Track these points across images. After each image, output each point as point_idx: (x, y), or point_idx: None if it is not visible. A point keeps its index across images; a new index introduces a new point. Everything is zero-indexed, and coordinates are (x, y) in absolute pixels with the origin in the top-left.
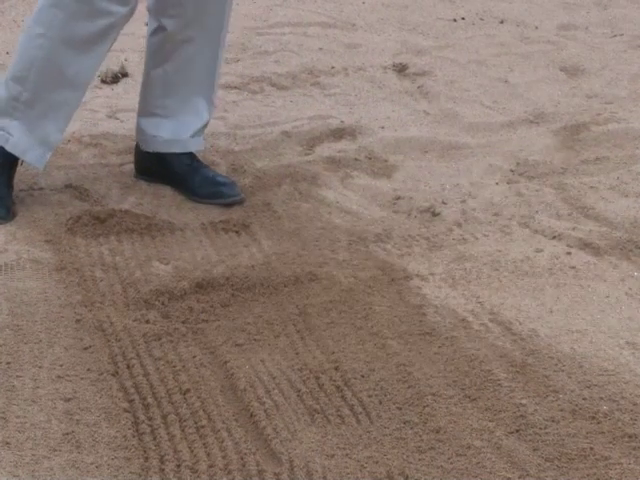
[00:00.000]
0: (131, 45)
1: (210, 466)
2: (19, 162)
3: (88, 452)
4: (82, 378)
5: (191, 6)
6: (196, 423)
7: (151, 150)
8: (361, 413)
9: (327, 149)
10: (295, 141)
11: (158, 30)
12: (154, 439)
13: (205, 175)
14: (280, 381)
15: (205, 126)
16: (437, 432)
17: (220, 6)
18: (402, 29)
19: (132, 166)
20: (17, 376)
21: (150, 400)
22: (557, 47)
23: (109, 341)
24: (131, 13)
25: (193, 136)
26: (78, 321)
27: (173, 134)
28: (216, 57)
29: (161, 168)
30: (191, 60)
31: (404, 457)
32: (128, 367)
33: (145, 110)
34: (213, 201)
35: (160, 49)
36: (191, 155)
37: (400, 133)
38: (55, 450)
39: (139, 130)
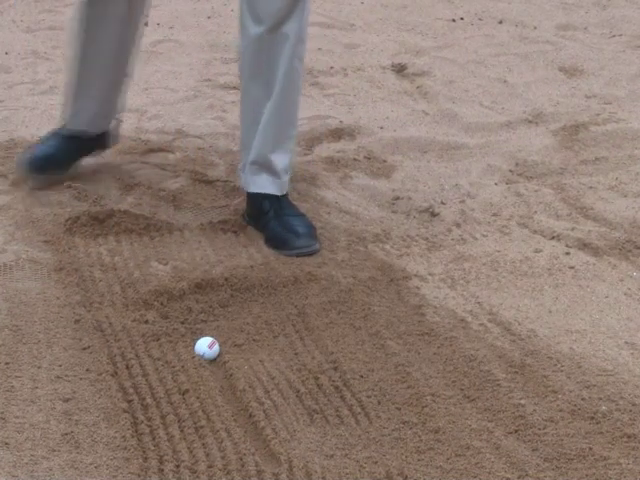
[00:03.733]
0: None
1: (209, 466)
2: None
3: (87, 452)
4: (81, 378)
5: None
6: (195, 423)
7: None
8: (360, 413)
9: (326, 149)
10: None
11: None
12: (153, 439)
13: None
14: (279, 381)
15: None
16: (436, 432)
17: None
18: (401, 29)
19: (131, 166)
20: (16, 376)
21: (149, 400)
22: (556, 47)
23: (108, 341)
24: None
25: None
26: (77, 321)
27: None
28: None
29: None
30: None
31: (403, 457)
32: (127, 367)
33: None
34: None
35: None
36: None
37: (399, 133)
38: (54, 450)
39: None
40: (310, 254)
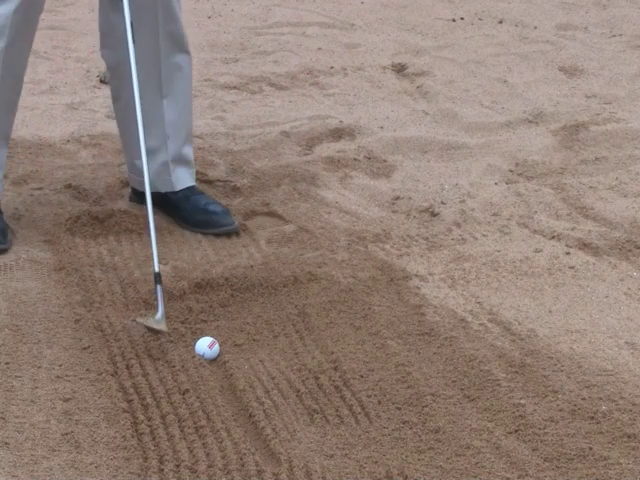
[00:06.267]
0: None
1: (209, 466)
2: None
3: (87, 452)
4: (81, 378)
5: None
6: (195, 423)
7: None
8: (360, 413)
9: (326, 149)
10: (294, 141)
11: None
12: (153, 439)
13: (196, 203)
14: (279, 381)
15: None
16: (436, 432)
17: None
18: (401, 29)
19: None
20: (16, 376)
21: (149, 400)
22: (556, 47)
23: (108, 341)
24: None
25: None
26: (77, 321)
27: None
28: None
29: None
30: None
31: (403, 457)
32: (127, 367)
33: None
34: (205, 230)
35: None
36: None
37: (399, 133)
38: (54, 450)
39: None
40: (235, 231)
